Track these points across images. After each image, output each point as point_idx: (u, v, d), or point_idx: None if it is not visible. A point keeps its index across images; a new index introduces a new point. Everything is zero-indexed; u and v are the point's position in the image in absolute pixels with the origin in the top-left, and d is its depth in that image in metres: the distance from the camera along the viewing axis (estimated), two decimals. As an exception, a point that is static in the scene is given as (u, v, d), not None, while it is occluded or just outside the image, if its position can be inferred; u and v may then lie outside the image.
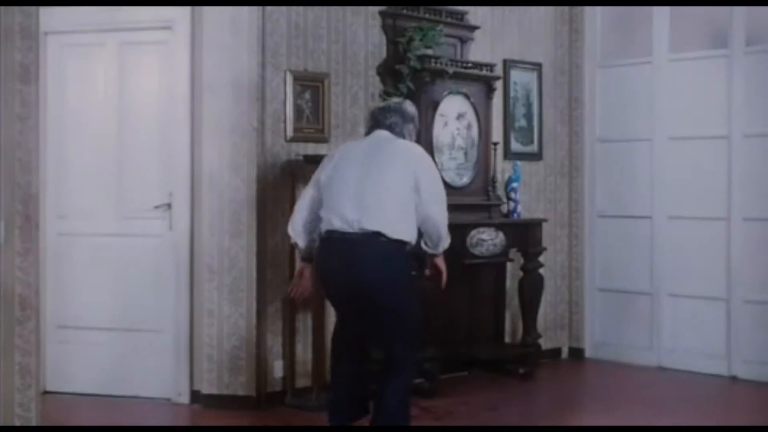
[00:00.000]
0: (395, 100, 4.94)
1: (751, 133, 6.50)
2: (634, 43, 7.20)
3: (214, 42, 5.66)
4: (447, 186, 6.14)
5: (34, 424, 4.23)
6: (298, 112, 5.83)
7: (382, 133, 4.56)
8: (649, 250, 7.00)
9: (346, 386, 4.58)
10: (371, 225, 4.27)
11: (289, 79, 5.78)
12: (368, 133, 4.64)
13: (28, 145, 4.22)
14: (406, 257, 4.39)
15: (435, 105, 6.17)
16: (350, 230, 4.30)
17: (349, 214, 4.31)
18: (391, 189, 4.33)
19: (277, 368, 5.74)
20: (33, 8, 4.25)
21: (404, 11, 6.25)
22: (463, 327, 6.56)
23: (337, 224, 4.33)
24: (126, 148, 5.89)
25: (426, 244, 4.56)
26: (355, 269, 4.31)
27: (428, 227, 4.45)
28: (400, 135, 4.55)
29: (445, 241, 4.54)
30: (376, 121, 4.60)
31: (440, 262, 4.66)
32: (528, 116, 7.15)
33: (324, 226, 4.41)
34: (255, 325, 5.62)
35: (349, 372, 4.59)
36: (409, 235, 4.36)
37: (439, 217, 4.42)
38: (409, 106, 4.70)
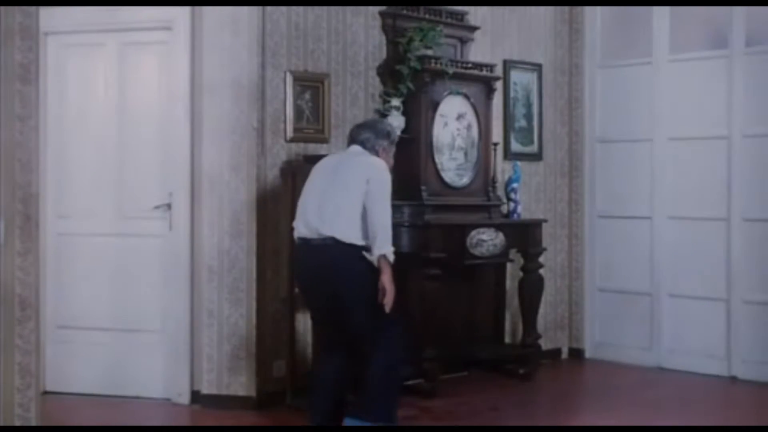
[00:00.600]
0: (374, 117, 5.37)
1: (751, 133, 6.50)
2: (634, 43, 7.20)
3: (214, 42, 5.67)
4: (447, 186, 6.22)
5: (34, 424, 4.23)
6: (298, 112, 5.83)
7: (353, 148, 4.90)
8: (649, 250, 7.00)
9: (320, 389, 4.81)
10: (327, 231, 4.61)
11: (289, 79, 5.78)
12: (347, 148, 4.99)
13: (28, 145, 4.22)
14: (361, 258, 4.63)
15: (435, 105, 6.17)
16: (311, 236, 4.67)
17: (311, 221, 4.67)
18: (346, 197, 4.65)
19: (277, 368, 5.74)
20: (33, 8, 4.24)
21: (404, 11, 6.25)
22: (463, 327, 6.56)
23: (303, 231, 4.71)
24: (126, 148, 5.89)
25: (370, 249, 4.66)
26: (318, 271, 4.66)
27: (370, 224, 4.62)
28: (372, 150, 4.86)
29: (378, 248, 4.57)
30: (352, 137, 4.95)
31: (386, 280, 4.58)
32: (528, 116, 7.15)
33: (295, 234, 4.76)
34: (255, 325, 5.63)
35: (323, 375, 4.81)
36: (361, 240, 4.63)
37: (379, 216, 4.60)
38: (384, 124, 5.08)
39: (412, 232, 5.85)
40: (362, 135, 4.91)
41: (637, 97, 7.08)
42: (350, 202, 4.63)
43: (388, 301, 4.59)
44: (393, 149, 5.00)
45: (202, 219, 5.70)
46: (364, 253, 4.63)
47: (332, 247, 4.60)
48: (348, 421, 4.65)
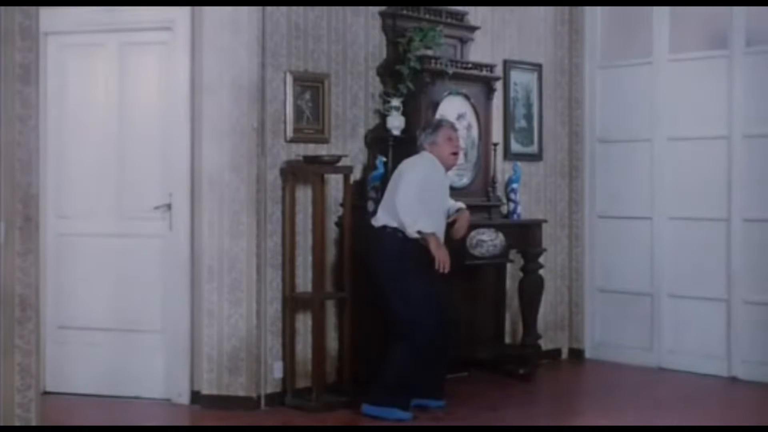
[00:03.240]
0: None
1: (751, 134, 6.50)
2: (634, 43, 7.20)
3: (214, 42, 5.67)
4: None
5: (33, 424, 4.24)
6: (298, 112, 5.83)
7: None
8: (649, 250, 7.00)
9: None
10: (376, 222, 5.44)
11: (289, 79, 5.78)
12: None
13: (28, 145, 4.23)
14: (396, 241, 5.29)
15: (435, 106, 6.16)
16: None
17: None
18: (388, 193, 5.42)
19: (277, 369, 5.73)
20: (33, 8, 4.25)
21: (404, 11, 6.25)
22: (463, 327, 6.53)
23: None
24: (126, 148, 5.89)
25: None
26: (367, 252, 5.52)
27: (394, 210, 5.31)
28: (421, 148, 5.52)
29: (409, 226, 5.25)
30: None
31: (431, 248, 5.29)
32: (528, 117, 7.15)
33: None
34: (255, 326, 5.63)
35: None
36: (394, 224, 5.33)
37: (398, 202, 5.25)
38: (431, 122, 5.68)
39: (412, 233, 5.85)
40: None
41: (637, 97, 7.07)
42: (390, 194, 5.35)
43: (440, 264, 5.25)
44: (440, 136, 5.47)
45: (202, 219, 5.70)
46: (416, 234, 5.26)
47: (375, 232, 5.38)
48: (365, 408, 5.34)
